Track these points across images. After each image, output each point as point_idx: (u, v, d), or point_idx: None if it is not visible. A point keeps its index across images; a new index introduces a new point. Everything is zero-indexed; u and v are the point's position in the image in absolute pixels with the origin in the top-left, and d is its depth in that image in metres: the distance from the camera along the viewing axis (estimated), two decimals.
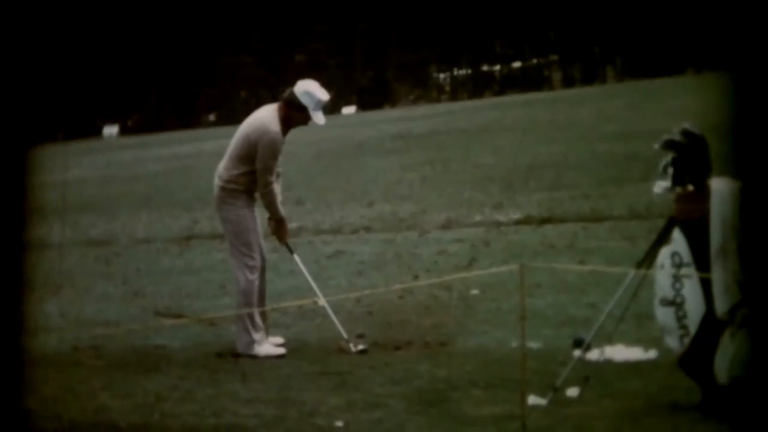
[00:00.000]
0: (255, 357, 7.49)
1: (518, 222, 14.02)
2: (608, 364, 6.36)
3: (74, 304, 10.21)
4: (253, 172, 7.62)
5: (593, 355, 6.17)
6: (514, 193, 17.26)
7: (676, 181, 5.73)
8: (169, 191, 24.55)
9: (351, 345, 7.58)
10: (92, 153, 45.03)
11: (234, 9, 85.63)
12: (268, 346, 7.64)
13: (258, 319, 7.62)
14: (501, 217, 14.49)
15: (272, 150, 7.58)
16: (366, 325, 8.34)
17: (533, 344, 6.94)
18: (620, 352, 6.69)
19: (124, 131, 77.41)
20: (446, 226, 14.29)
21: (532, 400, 5.64)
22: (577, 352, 6.15)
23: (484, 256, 11.36)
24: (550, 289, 9.06)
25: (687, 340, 5.58)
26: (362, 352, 7.49)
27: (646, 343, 6.75)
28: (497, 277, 9.17)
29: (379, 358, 7.25)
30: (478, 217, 14.80)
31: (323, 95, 7.65)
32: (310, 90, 7.62)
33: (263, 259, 7.80)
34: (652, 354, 6.65)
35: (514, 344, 6.99)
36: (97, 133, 71.46)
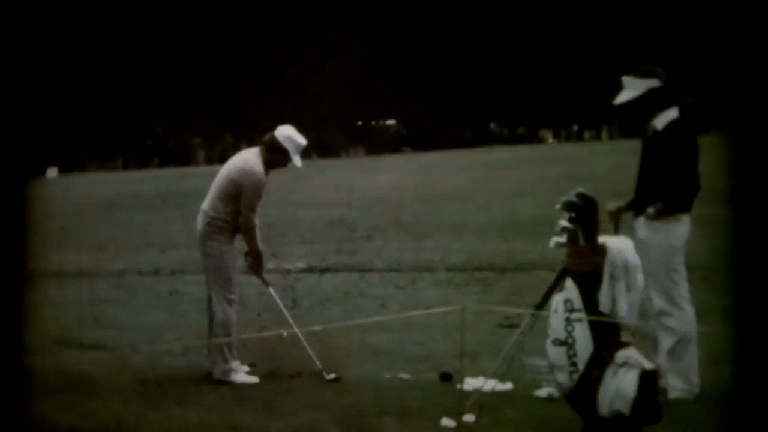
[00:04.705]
0: (231, 383, 8.04)
1: None
2: (499, 395, 7.08)
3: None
4: (238, 210, 8.18)
5: (486, 386, 6.99)
6: None
7: (571, 237, 6.32)
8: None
9: (324, 374, 8.12)
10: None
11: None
12: (243, 374, 8.21)
13: (234, 349, 8.20)
14: None
15: (257, 190, 8.20)
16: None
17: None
18: (489, 385, 7.20)
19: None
20: None
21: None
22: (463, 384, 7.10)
23: None
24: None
25: (576, 376, 6.10)
26: (335, 380, 8.00)
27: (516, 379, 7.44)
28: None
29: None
30: None
31: (302, 140, 8.32)
32: (290, 135, 8.27)
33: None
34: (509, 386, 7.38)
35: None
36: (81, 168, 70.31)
